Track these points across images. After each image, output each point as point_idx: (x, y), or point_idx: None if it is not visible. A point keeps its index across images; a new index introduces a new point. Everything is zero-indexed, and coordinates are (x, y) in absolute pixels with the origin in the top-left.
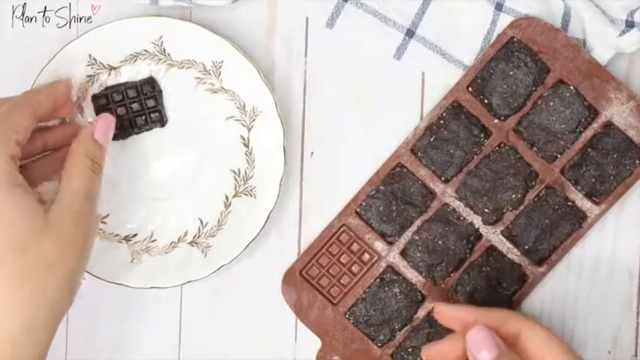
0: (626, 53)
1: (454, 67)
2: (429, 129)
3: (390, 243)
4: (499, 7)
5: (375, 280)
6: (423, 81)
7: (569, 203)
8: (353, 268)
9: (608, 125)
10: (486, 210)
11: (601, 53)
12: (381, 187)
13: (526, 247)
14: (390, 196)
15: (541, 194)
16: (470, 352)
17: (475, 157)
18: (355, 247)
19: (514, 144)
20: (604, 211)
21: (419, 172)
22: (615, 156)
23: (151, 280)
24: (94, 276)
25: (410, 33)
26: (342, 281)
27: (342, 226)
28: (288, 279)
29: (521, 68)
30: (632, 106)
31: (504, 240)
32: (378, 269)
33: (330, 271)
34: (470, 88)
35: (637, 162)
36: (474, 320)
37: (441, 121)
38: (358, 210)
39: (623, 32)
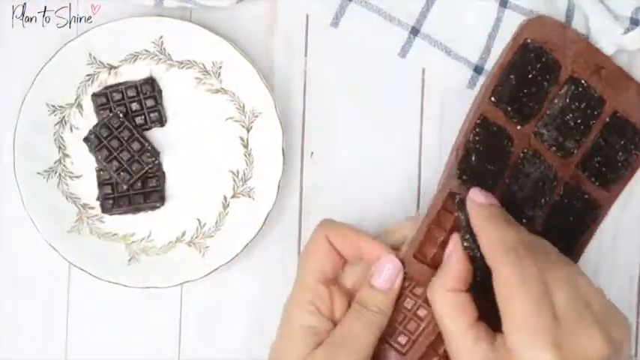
0: (628, 51)
1: (459, 64)
2: (465, 148)
3: None
4: (504, 4)
5: None
6: (423, 81)
7: (586, 196)
8: (419, 312)
9: (614, 114)
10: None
11: (604, 50)
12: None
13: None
14: None
15: (561, 193)
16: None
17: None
18: (419, 290)
19: (536, 148)
20: (614, 197)
21: None
22: (622, 143)
23: (148, 279)
24: (92, 275)
25: (414, 31)
26: (408, 328)
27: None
28: None
29: (538, 70)
30: (634, 93)
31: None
32: None
33: (394, 317)
34: (492, 98)
35: None
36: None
37: (477, 137)
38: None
39: (628, 30)
